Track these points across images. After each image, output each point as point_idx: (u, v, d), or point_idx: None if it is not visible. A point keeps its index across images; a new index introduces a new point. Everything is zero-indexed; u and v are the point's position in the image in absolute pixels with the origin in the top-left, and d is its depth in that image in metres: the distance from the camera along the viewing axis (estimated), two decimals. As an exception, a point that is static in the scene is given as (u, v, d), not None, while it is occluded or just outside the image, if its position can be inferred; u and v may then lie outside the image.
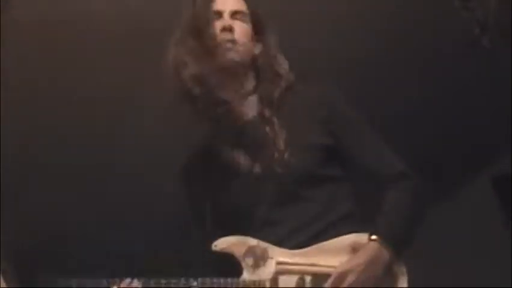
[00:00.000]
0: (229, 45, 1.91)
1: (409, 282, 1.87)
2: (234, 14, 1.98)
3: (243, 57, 1.94)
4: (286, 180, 1.87)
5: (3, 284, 2.22)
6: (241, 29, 1.96)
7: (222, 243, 1.86)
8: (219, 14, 1.97)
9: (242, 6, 2.00)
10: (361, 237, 1.86)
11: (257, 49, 1.99)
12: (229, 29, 1.93)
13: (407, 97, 3.80)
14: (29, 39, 2.97)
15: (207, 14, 1.95)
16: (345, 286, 1.78)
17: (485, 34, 2.68)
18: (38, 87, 3.22)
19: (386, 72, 3.62)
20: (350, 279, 1.78)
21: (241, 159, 1.93)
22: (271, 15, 2.06)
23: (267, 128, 1.91)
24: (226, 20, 1.95)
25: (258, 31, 2.01)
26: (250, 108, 1.96)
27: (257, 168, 1.91)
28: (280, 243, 1.87)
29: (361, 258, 1.81)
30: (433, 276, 4.62)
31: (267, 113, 1.93)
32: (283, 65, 2.00)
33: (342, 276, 1.79)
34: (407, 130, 3.79)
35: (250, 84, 1.97)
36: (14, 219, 3.31)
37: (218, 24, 1.94)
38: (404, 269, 1.88)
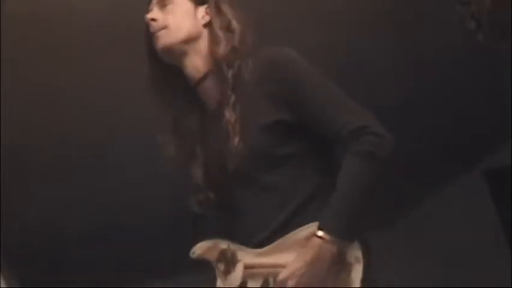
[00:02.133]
0: (160, 32, 1.96)
1: (366, 266, 1.77)
2: (160, 2, 2.00)
3: (177, 37, 1.96)
4: (248, 169, 1.84)
5: (3, 284, 2.21)
6: (171, 12, 1.99)
7: (198, 249, 1.87)
8: (149, 9, 2.02)
9: None
10: (314, 228, 1.78)
11: (203, 20, 2.01)
12: (151, 20, 1.97)
13: (400, 91, 3.81)
14: (25, 34, 2.96)
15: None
16: (291, 283, 1.74)
17: (480, 28, 2.67)
18: (36, 85, 3.21)
19: (380, 65, 3.62)
20: (289, 285, 1.75)
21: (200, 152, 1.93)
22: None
23: (226, 113, 1.87)
24: (149, 15, 1.99)
25: (201, 2, 2.03)
26: (213, 91, 1.95)
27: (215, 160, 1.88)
28: (246, 240, 1.85)
29: (300, 261, 1.77)
30: (425, 273, 4.64)
31: (227, 92, 1.89)
32: (235, 32, 1.98)
33: (281, 283, 1.76)
34: (400, 123, 3.79)
35: (205, 55, 1.97)
36: (13, 220, 3.30)
37: (146, 18, 2.00)
38: (359, 255, 1.78)
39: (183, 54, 1.97)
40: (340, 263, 1.77)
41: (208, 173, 1.94)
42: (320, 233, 1.76)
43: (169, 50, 1.97)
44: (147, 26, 2.00)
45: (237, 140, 1.83)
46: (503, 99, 3.77)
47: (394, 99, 3.76)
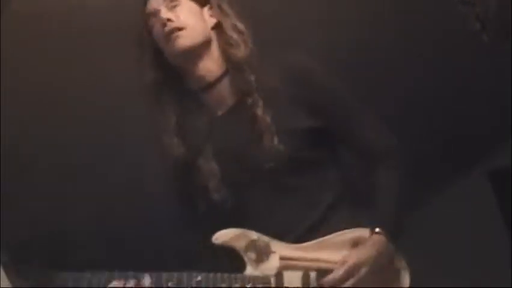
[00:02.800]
0: (175, 34, 1.89)
1: (410, 277, 1.85)
2: (169, 2, 1.94)
3: (196, 39, 1.91)
4: (277, 169, 1.82)
5: (3, 283, 2.21)
6: (182, 13, 1.93)
7: (222, 236, 1.79)
8: (156, 13, 1.94)
9: None
10: (361, 232, 1.82)
11: (211, 22, 1.97)
12: (168, 20, 1.89)
13: (404, 92, 3.80)
14: (26, 34, 2.96)
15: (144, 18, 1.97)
16: (355, 279, 1.74)
17: (485, 29, 2.67)
18: (36, 84, 3.21)
19: (384, 66, 3.62)
20: (362, 271, 1.74)
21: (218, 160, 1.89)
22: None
23: (250, 113, 1.85)
24: (163, 14, 1.91)
25: (203, 3, 1.99)
26: (227, 93, 1.91)
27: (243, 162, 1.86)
28: (278, 237, 1.82)
29: (370, 251, 1.78)
30: (429, 273, 4.63)
31: (247, 99, 1.87)
32: (244, 33, 1.95)
33: (355, 267, 1.75)
34: (404, 124, 3.78)
35: (217, 58, 1.93)
36: (13, 215, 3.30)
37: (157, 23, 1.92)
38: (404, 264, 1.86)
39: (198, 56, 1.91)
40: (391, 267, 1.83)
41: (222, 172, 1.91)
42: (379, 230, 1.80)
43: (187, 52, 1.90)
44: (150, 27, 1.94)
45: (271, 139, 1.82)
46: (506, 100, 3.76)
47: (396, 100, 3.75)
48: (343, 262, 1.76)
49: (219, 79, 1.92)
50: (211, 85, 1.92)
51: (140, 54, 1.97)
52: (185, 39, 1.89)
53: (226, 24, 1.95)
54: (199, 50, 1.91)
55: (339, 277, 1.74)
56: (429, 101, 3.95)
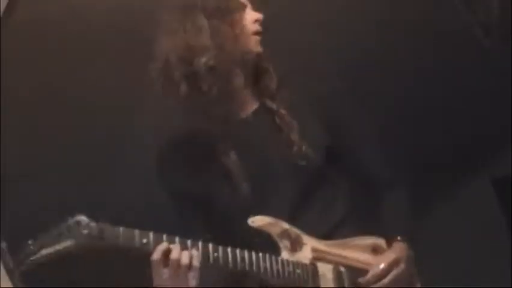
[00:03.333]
0: (258, 37, 1.88)
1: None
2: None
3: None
4: (305, 173, 1.84)
5: (3, 283, 2.22)
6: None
7: (259, 221, 1.78)
8: (244, 5, 1.92)
9: None
10: (378, 240, 1.88)
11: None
12: (260, 21, 1.89)
13: (407, 98, 3.79)
14: (29, 38, 2.98)
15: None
16: (389, 280, 1.78)
17: (487, 36, 2.68)
18: (39, 87, 3.23)
19: (386, 73, 3.62)
20: (394, 273, 1.78)
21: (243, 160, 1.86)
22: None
23: (276, 119, 1.86)
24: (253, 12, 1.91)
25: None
26: (248, 101, 1.92)
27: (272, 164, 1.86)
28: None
29: (399, 256, 1.82)
30: (432, 279, 4.62)
31: (269, 103, 1.88)
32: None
33: (387, 270, 1.78)
34: (407, 131, 3.79)
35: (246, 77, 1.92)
36: (15, 220, 3.31)
37: (248, 14, 1.90)
38: (416, 271, 1.92)
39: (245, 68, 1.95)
40: (413, 272, 1.89)
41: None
42: (400, 238, 1.86)
43: (255, 59, 1.92)
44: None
45: (298, 137, 1.83)
46: (509, 106, 3.75)
47: (398, 107, 3.75)
48: (378, 261, 1.81)
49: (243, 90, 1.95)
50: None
51: None
52: (260, 47, 1.93)
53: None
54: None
55: (373, 278, 1.78)
56: (433, 107, 3.95)
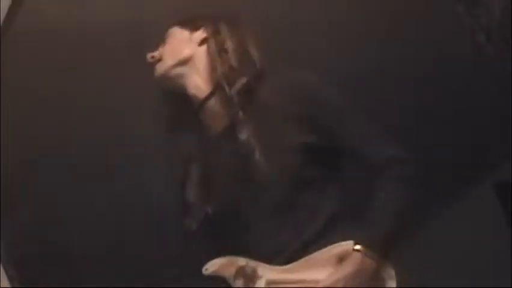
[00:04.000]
0: (156, 66, 2.03)
1: (398, 284, 1.81)
2: (162, 41, 2.06)
3: (171, 62, 2.00)
4: (267, 189, 1.83)
5: (3, 283, 2.21)
6: (167, 44, 2.05)
7: (212, 266, 1.84)
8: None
9: (170, 31, 2.08)
10: (348, 246, 1.81)
11: (198, 39, 2.02)
12: (151, 58, 2.04)
13: (408, 102, 3.80)
14: (34, 47, 2.99)
15: None
16: None
17: (489, 41, 2.68)
18: (40, 93, 3.23)
19: (388, 77, 3.62)
20: None
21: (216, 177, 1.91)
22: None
23: (242, 135, 1.86)
24: (149, 56, 2.05)
25: (198, 27, 2.05)
26: (219, 111, 1.93)
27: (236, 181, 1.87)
28: (269, 259, 1.83)
29: (342, 272, 1.77)
30: (433, 278, 4.63)
31: (236, 112, 1.88)
32: (231, 51, 1.97)
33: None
34: (407, 135, 3.79)
35: (206, 75, 1.97)
36: (16, 225, 3.31)
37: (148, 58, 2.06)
38: (392, 273, 1.82)
39: (180, 76, 1.99)
40: (375, 279, 1.80)
41: (207, 192, 1.93)
42: (360, 247, 1.78)
43: (164, 77, 2.00)
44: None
45: (262, 159, 1.82)
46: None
47: (399, 112, 3.75)
48: (323, 280, 1.78)
49: (208, 97, 1.95)
50: (203, 103, 1.96)
51: None
52: (160, 68, 2.02)
53: (211, 43, 2.00)
54: (177, 70, 1.99)
55: None
56: (435, 113, 3.95)
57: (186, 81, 1.98)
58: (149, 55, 2.04)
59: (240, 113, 1.88)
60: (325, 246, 1.81)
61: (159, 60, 2.02)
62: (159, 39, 2.08)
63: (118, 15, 3.02)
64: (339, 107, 1.91)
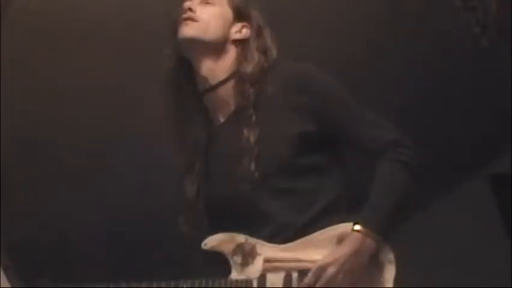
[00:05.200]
0: (186, 22, 1.95)
1: (397, 269, 1.82)
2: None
3: (203, 35, 1.95)
4: (261, 177, 1.85)
5: (3, 283, 2.21)
6: (208, 11, 1.98)
7: (211, 241, 1.85)
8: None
9: None
10: (348, 227, 1.82)
11: (236, 35, 2.01)
12: (188, 9, 1.96)
13: (405, 96, 3.81)
14: (31, 32, 2.97)
15: None
16: (324, 280, 1.76)
17: (485, 34, 2.68)
18: (38, 86, 3.22)
19: (384, 70, 3.63)
20: (329, 272, 1.76)
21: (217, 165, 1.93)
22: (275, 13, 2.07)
23: (245, 131, 1.88)
24: (188, 3, 1.98)
25: (241, 18, 2.03)
26: (228, 99, 1.95)
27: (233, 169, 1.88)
28: (269, 238, 1.85)
29: (342, 251, 1.78)
30: (431, 276, 4.65)
31: (248, 110, 1.90)
32: (271, 50, 1.99)
33: (321, 269, 1.77)
34: (405, 128, 3.80)
35: (227, 66, 1.97)
36: (18, 221, 3.31)
37: (184, 5, 1.99)
38: (391, 257, 1.83)
39: (202, 54, 1.96)
40: (374, 263, 1.81)
41: (206, 186, 1.95)
42: (358, 227, 1.79)
43: (189, 42, 1.95)
44: (174, 23, 1.99)
45: (252, 165, 1.84)
46: (507, 104, 3.76)
47: (396, 104, 3.76)
48: (321, 259, 1.79)
49: (221, 83, 1.95)
50: (212, 88, 1.96)
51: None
52: (192, 30, 1.95)
53: (253, 43, 1.99)
54: (204, 47, 1.96)
55: (308, 280, 1.77)
56: (431, 105, 3.96)
57: (202, 61, 1.95)
58: (187, 4, 1.96)
59: (252, 113, 1.89)
60: (324, 228, 1.83)
61: (194, 20, 1.96)
62: None
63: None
64: (338, 95, 1.94)
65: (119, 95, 3.32)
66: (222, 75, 1.96)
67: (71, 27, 3.03)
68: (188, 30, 1.94)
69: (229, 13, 2.02)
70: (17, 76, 3.07)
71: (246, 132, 1.88)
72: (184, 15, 1.95)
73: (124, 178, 3.73)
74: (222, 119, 1.97)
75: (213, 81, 1.96)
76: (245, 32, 2.01)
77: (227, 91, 1.96)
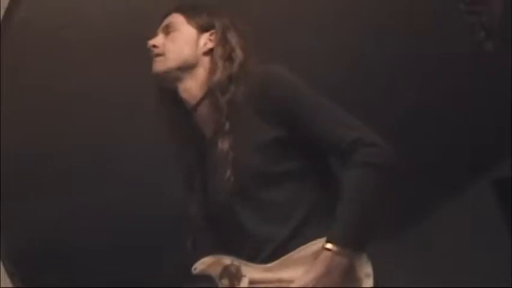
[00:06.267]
0: (155, 59, 1.97)
1: (375, 282, 1.73)
2: (166, 29, 2.01)
3: (173, 64, 1.96)
4: (238, 188, 1.82)
5: (3, 283, 2.21)
6: (172, 39, 1.99)
7: (200, 265, 1.85)
8: (155, 34, 2.03)
9: (174, 18, 2.02)
10: (322, 243, 1.75)
11: (205, 47, 1.99)
12: (152, 46, 1.99)
13: (409, 100, 3.81)
14: (33, 41, 2.99)
15: None
16: None
17: (489, 38, 2.69)
18: (41, 91, 3.23)
19: (389, 75, 3.63)
20: None
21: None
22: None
23: (220, 143, 1.86)
24: (155, 38, 2.00)
25: (206, 29, 2.01)
26: (210, 118, 1.94)
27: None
28: (252, 255, 1.83)
29: (314, 271, 1.73)
30: (434, 278, 4.65)
31: (221, 120, 1.88)
32: (237, 60, 1.95)
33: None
34: (408, 133, 3.80)
35: (202, 82, 1.95)
36: (17, 224, 3.31)
37: (148, 44, 2.01)
38: (369, 270, 1.75)
39: (177, 79, 1.96)
40: (350, 278, 1.75)
41: (204, 203, 1.95)
42: (329, 246, 1.72)
43: (162, 76, 1.97)
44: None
45: (228, 173, 1.82)
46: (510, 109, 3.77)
47: (400, 109, 3.76)
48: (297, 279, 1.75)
49: (199, 102, 1.96)
50: (194, 108, 1.97)
51: None
52: (161, 64, 1.97)
53: (217, 51, 1.97)
54: (178, 73, 1.97)
55: None
56: (434, 109, 3.96)
57: (179, 85, 1.97)
58: (150, 42, 1.99)
59: (225, 121, 1.87)
60: (305, 243, 1.78)
61: (161, 54, 1.98)
62: (162, 24, 2.02)
63: (119, 5, 3.01)
64: (299, 96, 1.87)
65: (119, 100, 3.34)
66: (199, 94, 1.96)
67: (71, 34, 3.04)
68: (158, 66, 1.97)
69: (192, 32, 2.01)
70: (17, 81, 3.08)
71: (219, 143, 1.86)
72: (152, 54, 1.99)
73: (125, 184, 3.74)
74: (209, 134, 1.97)
75: (193, 102, 1.96)
76: (214, 39, 2.00)
77: (206, 107, 1.95)
